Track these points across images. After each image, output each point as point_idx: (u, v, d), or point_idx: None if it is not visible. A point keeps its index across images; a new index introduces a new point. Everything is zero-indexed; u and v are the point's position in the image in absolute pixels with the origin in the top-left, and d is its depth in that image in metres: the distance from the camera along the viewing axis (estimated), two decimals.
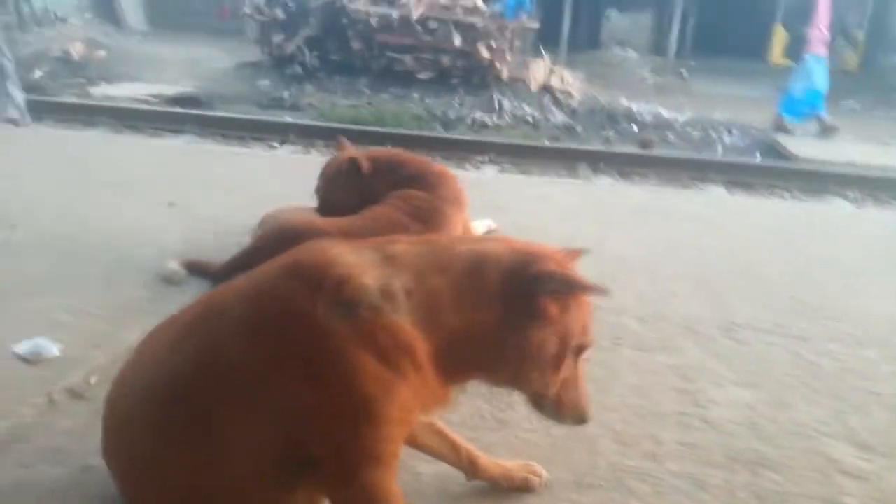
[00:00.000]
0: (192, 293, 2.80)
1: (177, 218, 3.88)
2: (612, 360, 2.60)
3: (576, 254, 1.62)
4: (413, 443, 1.71)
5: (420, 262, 1.40)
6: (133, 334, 2.40)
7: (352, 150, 3.37)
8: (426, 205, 2.93)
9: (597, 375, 2.47)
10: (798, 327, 2.94)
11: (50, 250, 3.31)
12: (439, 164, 3.35)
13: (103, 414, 1.61)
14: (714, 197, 5.96)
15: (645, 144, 9.31)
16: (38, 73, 10.44)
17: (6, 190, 4.24)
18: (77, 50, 11.67)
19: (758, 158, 8.68)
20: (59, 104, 8.33)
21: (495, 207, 4.23)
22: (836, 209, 5.95)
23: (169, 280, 2.96)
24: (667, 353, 2.67)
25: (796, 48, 12.11)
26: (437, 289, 1.37)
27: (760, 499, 1.90)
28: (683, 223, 4.43)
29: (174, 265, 3.01)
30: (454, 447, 1.78)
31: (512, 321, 1.38)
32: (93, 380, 2.26)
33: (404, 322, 1.34)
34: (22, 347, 2.41)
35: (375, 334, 1.32)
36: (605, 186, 5.91)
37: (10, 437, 1.98)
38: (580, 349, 1.45)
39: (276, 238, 2.77)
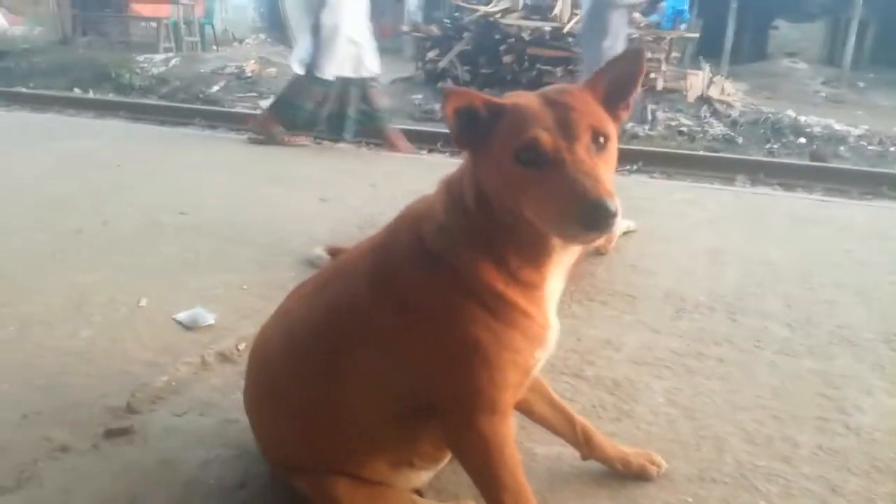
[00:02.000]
0: None
1: (327, 210, 4.14)
2: (750, 361, 2.46)
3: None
4: (528, 411, 1.73)
5: (459, 172, 1.41)
6: None
7: None
8: None
9: (732, 375, 2.37)
10: None
11: (216, 235, 3.65)
12: None
13: (247, 366, 1.74)
14: (886, 210, 5.43)
15: (816, 158, 8.67)
16: (215, 88, 11.47)
17: (183, 184, 4.71)
18: (250, 67, 12.68)
19: None
20: (233, 114, 9.07)
21: (637, 210, 4.11)
22: None
23: (313, 264, 3.16)
24: (814, 359, 2.49)
25: None
26: (466, 196, 1.36)
27: None
28: (847, 234, 4.09)
29: (319, 251, 3.23)
30: (569, 420, 1.75)
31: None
32: (241, 346, 2.46)
33: (479, 257, 1.34)
34: (182, 315, 2.67)
35: (469, 280, 1.34)
36: (763, 195, 5.55)
37: (168, 389, 2.20)
38: (522, 152, 1.24)
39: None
